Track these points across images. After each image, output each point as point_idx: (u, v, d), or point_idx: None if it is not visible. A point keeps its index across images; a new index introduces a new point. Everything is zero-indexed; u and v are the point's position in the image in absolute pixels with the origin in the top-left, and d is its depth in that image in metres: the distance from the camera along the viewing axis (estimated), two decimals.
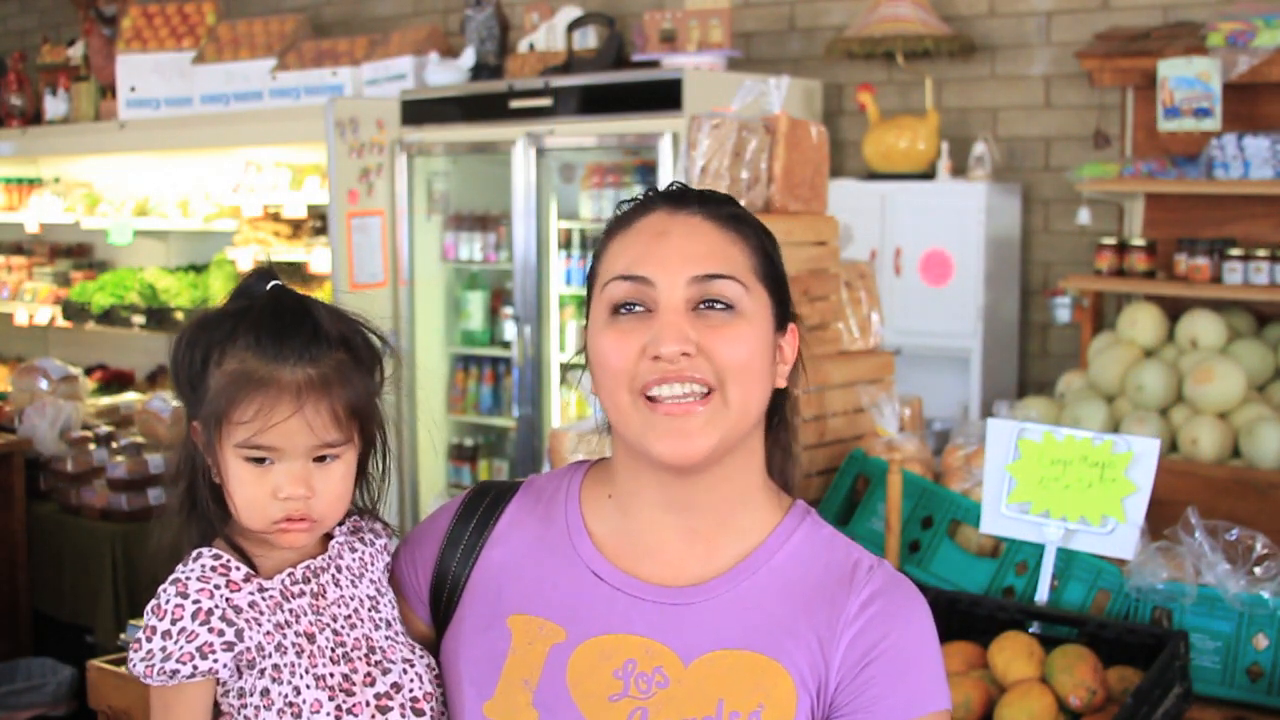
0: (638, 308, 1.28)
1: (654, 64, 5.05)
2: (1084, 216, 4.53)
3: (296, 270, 6.28)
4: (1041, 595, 2.28)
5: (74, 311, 6.96)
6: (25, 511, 4.52)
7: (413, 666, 1.34)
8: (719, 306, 1.28)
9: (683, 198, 1.35)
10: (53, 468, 4.55)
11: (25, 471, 4.52)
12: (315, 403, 1.27)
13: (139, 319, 6.58)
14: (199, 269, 6.94)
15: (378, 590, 1.39)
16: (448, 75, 5.50)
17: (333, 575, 1.36)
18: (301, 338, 1.28)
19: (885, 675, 1.27)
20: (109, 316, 6.73)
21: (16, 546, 4.49)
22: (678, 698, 1.27)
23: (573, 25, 5.35)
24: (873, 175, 4.94)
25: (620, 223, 1.36)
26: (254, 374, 1.27)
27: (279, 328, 1.28)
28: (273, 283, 1.33)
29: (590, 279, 1.37)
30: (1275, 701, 2.11)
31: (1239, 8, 4.17)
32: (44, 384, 4.84)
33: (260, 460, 1.28)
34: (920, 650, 1.30)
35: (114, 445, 4.54)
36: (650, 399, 1.27)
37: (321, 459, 1.31)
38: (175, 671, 1.24)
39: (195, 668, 1.24)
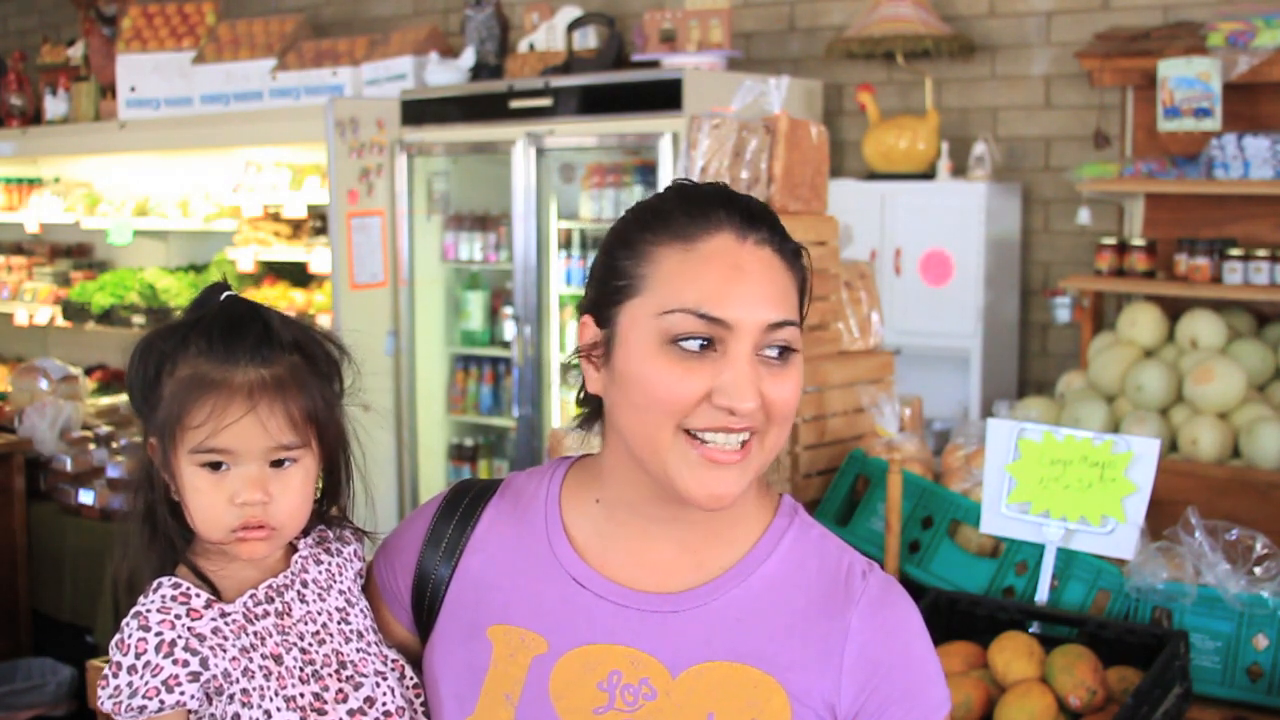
0: (706, 346, 1.20)
1: (654, 64, 5.05)
2: (1084, 216, 4.53)
3: (296, 270, 6.28)
4: (1041, 595, 2.28)
5: (74, 311, 6.96)
6: (25, 511, 4.52)
7: (385, 680, 1.32)
8: (784, 354, 1.23)
9: (752, 220, 1.25)
10: (53, 468, 4.55)
11: (25, 471, 4.52)
12: (269, 403, 1.26)
13: (139, 319, 6.58)
14: (199, 269, 6.94)
15: (348, 601, 1.36)
16: (448, 75, 5.50)
17: (298, 591, 1.33)
18: (253, 339, 1.27)
19: (901, 693, 1.25)
20: (109, 316, 6.73)
21: (16, 546, 4.49)
22: (665, 711, 1.23)
23: (573, 25, 5.35)
24: (873, 175, 4.94)
25: (675, 231, 1.24)
26: (206, 377, 1.25)
27: (230, 331, 1.27)
28: (226, 293, 1.33)
29: (623, 275, 1.25)
30: (1275, 701, 2.11)
31: (1239, 8, 4.17)
32: (44, 384, 4.84)
33: (216, 466, 1.26)
34: (926, 658, 1.29)
35: (114, 445, 4.54)
36: (691, 436, 1.21)
37: (279, 464, 1.28)
38: (143, 707, 1.22)
39: (162, 701, 1.22)
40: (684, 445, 1.21)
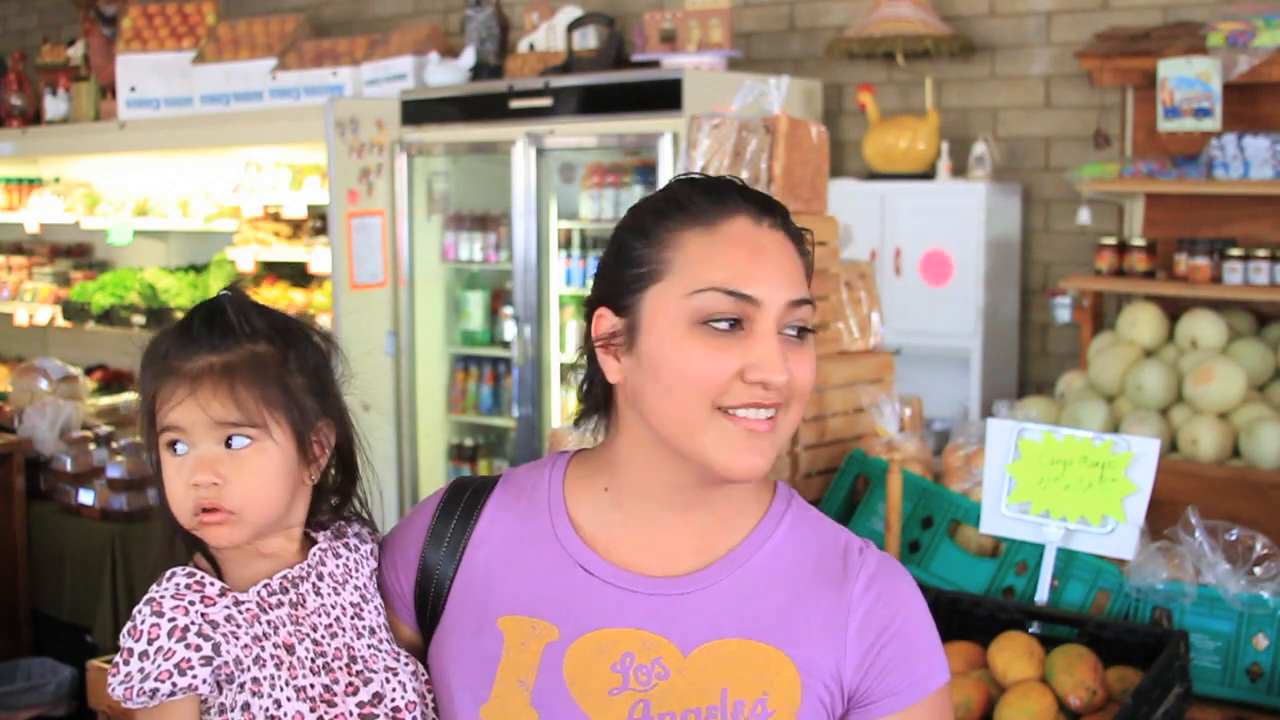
0: (735, 324, 1.25)
1: (654, 64, 5.05)
2: (1084, 216, 4.53)
3: (296, 270, 6.29)
4: (1041, 595, 2.28)
5: (74, 311, 6.96)
6: (25, 511, 4.52)
7: (395, 675, 1.33)
8: (805, 331, 1.29)
9: (765, 208, 1.30)
10: (53, 468, 4.54)
11: (25, 471, 4.52)
12: (214, 385, 1.29)
13: (139, 319, 6.58)
14: (199, 269, 6.94)
15: (362, 597, 1.38)
16: (448, 75, 5.50)
17: (313, 584, 1.35)
18: (209, 331, 1.32)
19: (902, 658, 1.29)
20: (109, 316, 6.73)
21: (16, 546, 4.48)
22: (679, 688, 1.26)
23: (573, 25, 5.35)
24: (873, 175, 4.94)
25: (694, 215, 1.28)
26: (167, 365, 1.31)
27: (191, 325, 1.33)
28: (222, 291, 1.37)
29: (643, 263, 1.28)
30: (1275, 701, 2.11)
31: (1239, 8, 4.17)
32: (44, 384, 4.83)
33: (176, 448, 1.30)
34: (924, 626, 1.33)
35: (114, 445, 4.53)
36: (726, 412, 1.24)
37: (232, 444, 1.30)
38: (155, 691, 1.23)
39: (175, 685, 1.23)
40: (721, 421, 1.24)
